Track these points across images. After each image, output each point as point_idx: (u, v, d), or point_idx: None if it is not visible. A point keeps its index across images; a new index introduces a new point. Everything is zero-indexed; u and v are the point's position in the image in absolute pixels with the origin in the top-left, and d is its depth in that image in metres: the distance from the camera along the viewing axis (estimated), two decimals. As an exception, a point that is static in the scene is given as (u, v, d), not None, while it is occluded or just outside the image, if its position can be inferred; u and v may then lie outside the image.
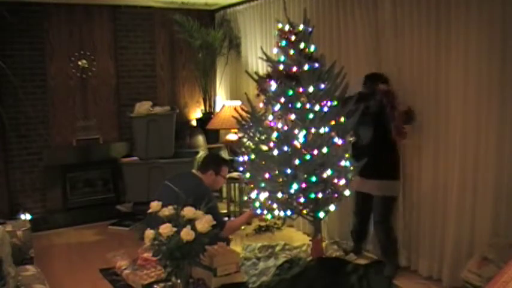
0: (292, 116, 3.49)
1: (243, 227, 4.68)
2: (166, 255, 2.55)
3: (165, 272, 2.76)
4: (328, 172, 3.60)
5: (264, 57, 4.01)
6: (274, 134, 3.70)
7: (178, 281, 2.64)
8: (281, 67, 3.72)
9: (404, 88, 3.87)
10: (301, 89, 3.59)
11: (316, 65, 3.66)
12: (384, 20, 4.00)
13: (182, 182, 3.57)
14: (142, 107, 5.57)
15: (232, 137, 5.45)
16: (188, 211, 2.66)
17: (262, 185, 3.83)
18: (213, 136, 6.23)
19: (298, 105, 3.60)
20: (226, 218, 4.74)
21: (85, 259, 4.49)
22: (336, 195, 3.73)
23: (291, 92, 3.60)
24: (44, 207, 5.77)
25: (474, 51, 3.34)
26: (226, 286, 3.13)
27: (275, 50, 4.03)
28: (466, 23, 3.37)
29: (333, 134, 3.60)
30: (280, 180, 3.71)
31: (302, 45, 3.69)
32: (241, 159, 3.98)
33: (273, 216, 3.92)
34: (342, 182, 3.71)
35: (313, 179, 3.59)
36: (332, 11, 4.52)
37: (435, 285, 3.70)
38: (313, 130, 3.60)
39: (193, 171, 3.94)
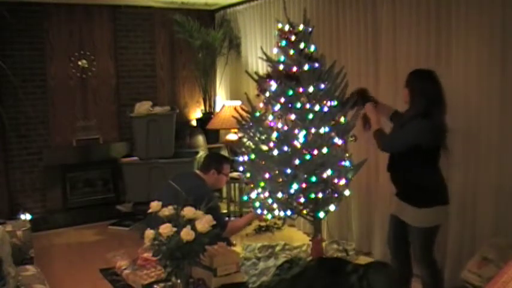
0: (292, 116, 3.49)
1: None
2: (166, 255, 2.55)
3: (165, 272, 2.76)
4: (328, 172, 3.60)
5: (264, 57, 4.01)
6: (274, 134, 3.70)
7: (178, 281, 2.65)
8: (281, 67, 3.72)
9: (403, 88, 3.87)
10: (301, 89, 3.59)
11: (316, 65, 3.66)
12: (384, 20, 4.00)
13: (183, 182, 3.57)
14: (142, 107, 5.57)
15: (232, 137, 5.45)
16: (188, 211, 2.66)
17: (262, 185, 3.83)
18: (213, 136, 6.23)
19: (298, 105, 3.60)
20: (227, 218, 4.74)
21: (85, 259, 4.49)
22: (336, 195, 3.74)
23: (291, 92, 3.61)
24: (44, 207, 5.77)
25: (474, 51, 3.34)
26: (226, 286, 3.13)
27: (275, 50, 4.02)
28: (466, 23, 3.37)
29: (333, 134, 3.60)
30: (280, 180, 3.70)
31: (302, 45, 3.69)
32: (241, 159, 3.98)
33: (273, 216, 3.93)
34: (342, 182, 3.71)
35: (313, 179, 3.59)
36: (332, 11, 4.53)
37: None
38: (313, 130, 3.60)
39: (196, 171, 3.94)
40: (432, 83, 3.05)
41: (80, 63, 5.89)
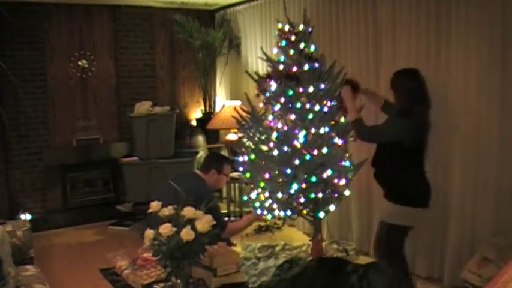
0: (292, 116, 3.50)
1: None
2: (166, 255, 2.55)
3: (165, 272, 2.76)
4: (328, 172, 3.60)
5: (264, 57, 4.01)
6: (274, 134, 3.71)
7: (178, 281, 2.64)
8: (281, 67, 3.72)
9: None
10: (301, 89, 3.59)
11: (316, 65, 3.66)
12: (384, 20, 4.00)
13: (183, 182, 3.57)
14: (142, 107, 5.57)
15: (232, 137, 5.45)
16: (188, 211, 2.66)
17: (262, 185, 3.84)
18: (213, 136, 6.23)
19: (298, 105, 3.60)
20: (226, 218, 4.74)
21: (85, 259, 4.49)
22: (336, 195, 3.74)
23: (291, 92, 3.61)
24: (44, 207, 5.77)
25: (474, 51, 3.34)
26: (226, 286, 3.13)
27: (275, 50, 4.02)
28: (466, 23, 3.37)
29: (333, 134, 3.61)
30: (280, 180, 3.71)
31: (302, 45, 3.69)
32: (241, 159, 3.98)
33: (273, 216, 3.93)
34: (342, 182, 3.71)
35: (313, 179, 3.59)
36: (332, 11, 4.53)
37: (435, 285, 3.70)
38: (313, 130, 3.60)
39: (196, 171, 3.94)
40: (415, 82, 3.05)
41: (80, 63, 5.89)
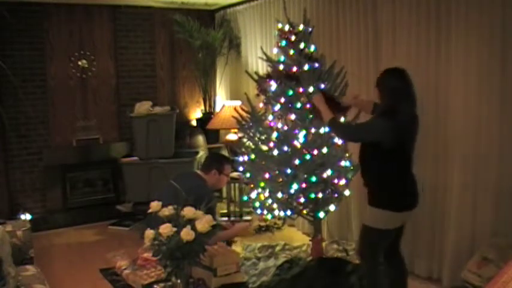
0: (292, 116, 3.50)
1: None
2: (166, 255, 2.55)
3: (165, 272, 2.77)
4: (328, 172, 3.60)
5: (264, 57, 4.01)
6: (274, 134, 3.71)
7: (178, 281, 2.65)
8: (281, 67, 3.73)
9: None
10: (301, 89, 3.60)
11: (316, 65, 3.67)
12: (384, 20, 4.00)
13: (183, 182, 3.58)
14: (142, 107, 5.57)
15: (232, 137, 5.45)
16: (188, 211, 2.66)
17: (262, 185, 3.84)
18: (213, 136, 6.23)
19: (298, 105, 3.60)
20: (225, 219, 4.74)
21: (85, 259, 4.49)
22: (336, 195, 3.74)
23: (291, 92, 3.61)
24: (44, 207, 5.77)
25: (474, 51, 3.34)
26: (226, 286, 3.13)
27: (275, 50, 4.03)
28: (466, 23, 3.36)
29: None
30: (280, 180, 3.71)
31: (302, 45, 3.70)
32: (241, 159, 3.99)
33: (273, 216, 3.93)
34: (342, 182, 3.71)
35: (313, 179, 3.60)
36: (332, 11, 4.52)
37: (435, 285, 3.70)
38: (313, 130, 3.61)
39: (197, 171, 3.94)
40: (399, 80, 2.93)
41: (80, 63, 5.89)
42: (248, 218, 5.34)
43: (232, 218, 5.24)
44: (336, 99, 3.46)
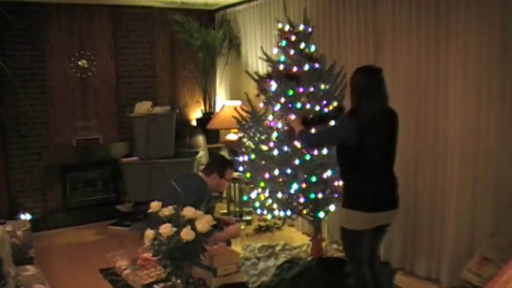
0: (292, 116, 3.50)
1: (243, 227, 4.69)
2: (166, 255, 2.55)
3: (165, 272, 2.76)
4: (328, 172, 3.60)
5: (264, 57, 4.01)
6: (274, 134, 3.71)
7: (178, 281, 2.64)
8: (281, 67, 3.73)
9: (403, 88, 3.87)
10: (301, 89, 3.60)
11: (316, 65, 3.67)
12: (384, 20, 4.00)
13: (184, 182, 3.58)
14: (142, 107, 5.57)
15: (232, 137, 5.45)
16: (188, 211, 2.66)
17: (262, 185, 3.84)
18: (213, 136, 6.23)
19: (298, 105, 3.60)
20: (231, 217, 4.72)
21: (85, 259, 4.49)
22: (336, 195, 3.74)
23: (291, 92, 3.61)
24: (44, 207, 5.77)
25: (474, 50, 3.34)
26: (226, 286, 3.13)
27: (275, 50, 4.03)
28: (466, 22, 3.37)
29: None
30: (280, 180, 3.71)
31: (302, 45, 3.70)
32: (241, 159, 3.99)
33: (273, 216, 3.93)
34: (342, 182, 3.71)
35: (313, 179, 3.60)
36: (332, 10, 4.53)
37: (434, 285, 3.70)
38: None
39: (199, 173, 3.94)
40: (368, 79, 2.87)
41: (80, 63, 5.89)
42: (248, 218, 5.35)
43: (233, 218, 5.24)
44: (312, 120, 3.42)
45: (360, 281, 2.99)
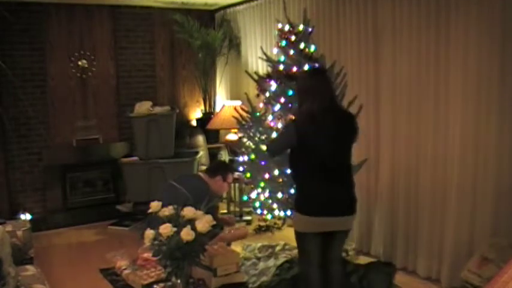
0: (292, 116, 3.50)
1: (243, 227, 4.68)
2: (167, 255, 2.55)
3: (165, 272, 2.76)
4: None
5: (264, 57, 4.01)
6: (274, 134, 3.71)
7: (178, 281, 2.65)
8: (281, 67, 3.73)
9: (403, 88, 3.87)
10: (301, 89, 3.59)
11: (316, 65, 3.66)
12: (384, 20, 4.00)
13: (185, 183, 3.59)
14: (143, 107, 5.57)
15: (232, 137, 5.45)
16: (188, 211, 2.66)
17: (262, 185, 3.84)
18: (213, 136, 6.23)
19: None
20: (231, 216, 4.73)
21: (85, 259, 4.49)
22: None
23: (291, 92, 3.61)
24: (44, 207, 5.77)
25: (474, 50, 3.34)
26: (226, 286, 3.13)
27: (275, 50, 4.03)
28: (466, 22, 3.37)
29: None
30: (280, 180, 3.71)
31: (302, 45, 3.70)
32: (241, 159, 3.99)
33: (273, 216, 3.93)
34: (342, 182, 3.71)
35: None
36: (332, 11, 4.53)
37: (435, 285, 3.70)
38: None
39: (200, 173, 3.95)
40: (306, 81, 2.85)
41: (80, 63, 5.89)
42: (248, 218, 5.34)
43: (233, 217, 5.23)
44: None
45: (304, 281, 2.94)
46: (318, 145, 2.75)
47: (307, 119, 2.76)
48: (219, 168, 3.90)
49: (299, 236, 2.90)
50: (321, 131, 2.74)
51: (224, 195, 5.63)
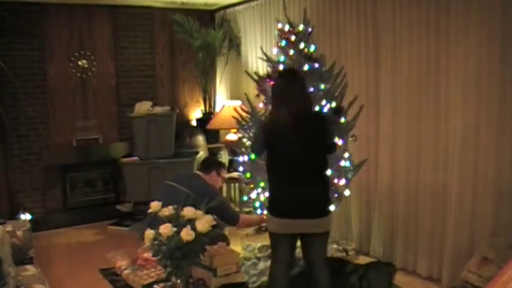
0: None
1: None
2: (167, 255, 2.55)
3: (165, 272, 2.76)
4: (328, 172, 3.60)
5: (264, 57, 4.01)
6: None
7: (178, 281, 2.64)
8: (281, 67, 3.73)
9: (404, 87, 3.87)
10: (301, 89, 3.59)
11: (316, 65, 3.67)
12: (384, 19, 4.00)
13: (189, 183, 3.59)
14: (143, 107, 5.57)
15: (232, 137, 5.45)
16: (188, 211, 2.66)
17: (262, 185, 3.84)
18: (213, 136, 6.23)
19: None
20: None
21: (85, 259, 4.49)
22: (336, 195, 3.74)
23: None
24: (44, 207, 5.77)
25: (474, 50, 3.34)
26: (226, 286, 3.13)
27: (275, 50, 4.03)
28: (466, 21, 3.37)
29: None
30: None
31: (302, 45, 3.70)
32: (241, 159, 3.99)
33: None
34: (342, 182, 3.71)
35: (313, 179, 3.59)
36: (332, 11, 4.53)
37: (435, 285, 3.70)
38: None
39: (197, 172, 3.96)
40: (275, 84, 2.88)
41: (80, 63, 5.89)
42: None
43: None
44: None
45: (269, 280, 3.02)
46: (283, 151, 2.78)
47: (272, 126, 2.82)
48: (212, 164, 3.93)
49: (270, 235, 2.98)
50: (285, 137, 2.76)
51: (224, 195, 5.63)
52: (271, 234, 2.95)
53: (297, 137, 2.76)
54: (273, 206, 2.88)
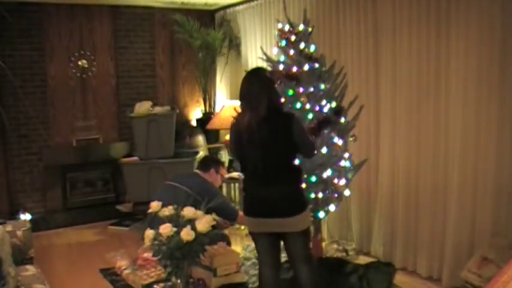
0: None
1: (242, 227, 4.69)
2: (167, 255, 2.55)
3: (165, 272, 2.76)
4: (328, 172, 3.60)
5: (264, 57, 4.01)
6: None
7: (178, 281, 2.65)
8: (281, 67, 3.73)
9: (404, 88, 3.87)
10: (301, 89, 3.60)
11: (316, 65, 3.67)
12: (384, 20, 4.00)
13: (192, 182, 3.59)
14: (142, 107, 5.57)
15: (232, 137, 5.44)
16: (188, 211, 2.66)
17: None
18: (213, 136, 6.23)
19: (298, 105, 3.60)
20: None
21: (85, 259, 4.49)
22: (336, 195, 3.74)
23: (291, 92, 3.61)
24: (44, 207, 5.77)
25: (474, 50, 3.34)
26: (226, 286, 3.13)
27: (275, 50, 4.03)
28: (466, 21, 3.37)
29: (332, 134, 3.61)
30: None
31: (302, 45, 3.70)
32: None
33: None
34: (342, 182, 3.71)
35: (313, 179, 3.60)
36: (332, 11, 4.52)
37: (435, 285, 3.70)
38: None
39: (197, 171, 3.96)
40: (241, 85, 2.85)
41: (80, 63, 5.89)
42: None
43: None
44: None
45: (258, 280, 3.02)
46: (248, 151, 2.79)
47: (237, 127, 2.83)
48: (210, 163, 3.95)
49: (250, 234, 3.02)
50: (249, 138, 2.76)
51: (224, 195, 5.63)
52: (250, 233, 3.01)
53: (260, 137, 2.73)
54: (246, 205, 2.90)
